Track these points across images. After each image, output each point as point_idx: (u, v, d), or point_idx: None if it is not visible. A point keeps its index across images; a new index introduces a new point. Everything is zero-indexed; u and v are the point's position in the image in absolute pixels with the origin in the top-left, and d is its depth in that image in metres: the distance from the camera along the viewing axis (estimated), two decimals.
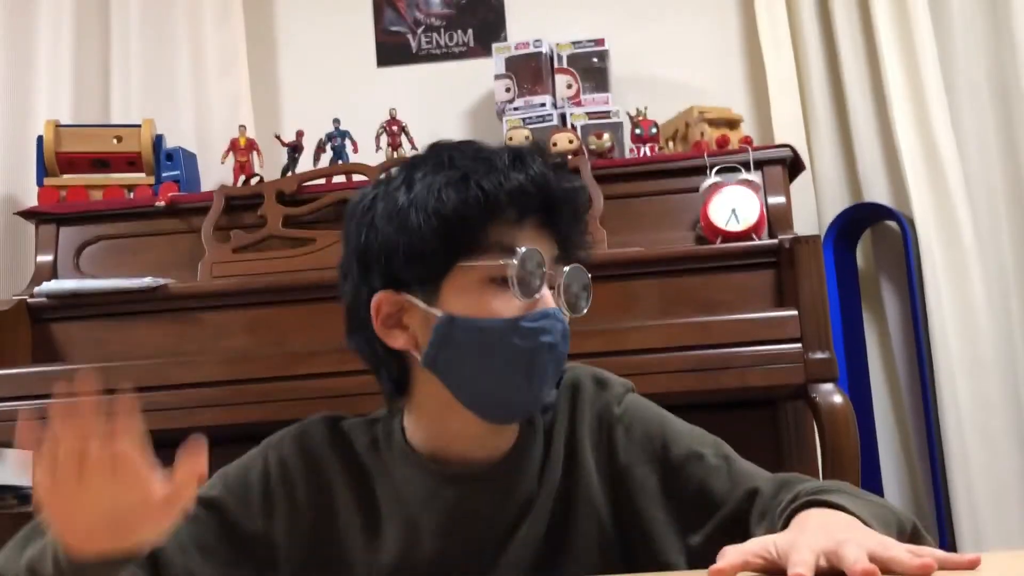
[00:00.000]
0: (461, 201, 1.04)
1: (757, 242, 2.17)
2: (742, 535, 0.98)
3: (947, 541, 2.51)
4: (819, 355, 1.95)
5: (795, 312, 1.98)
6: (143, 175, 2.56)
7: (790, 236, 2.11)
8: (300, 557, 1.14)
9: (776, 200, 2.29)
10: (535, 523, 1.11)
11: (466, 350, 1.06)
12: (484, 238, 1.05)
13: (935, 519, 2.59)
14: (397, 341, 1.10)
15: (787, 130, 2.73)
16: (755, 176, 2.30)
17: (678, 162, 2.36)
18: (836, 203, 2.75)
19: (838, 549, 0.83)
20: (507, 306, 1.05)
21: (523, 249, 1.05)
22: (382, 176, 1.14)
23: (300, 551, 1.14)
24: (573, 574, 1.10)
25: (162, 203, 2.41)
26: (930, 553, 0.86)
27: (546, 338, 1.05)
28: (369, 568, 1.12)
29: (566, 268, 1.09)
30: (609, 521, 1.13)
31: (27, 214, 2.48)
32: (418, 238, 1.05)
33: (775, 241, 2.13)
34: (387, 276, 1.09)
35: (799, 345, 1.97)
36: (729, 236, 2.19)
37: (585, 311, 1.10)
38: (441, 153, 1.09)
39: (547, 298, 1.06)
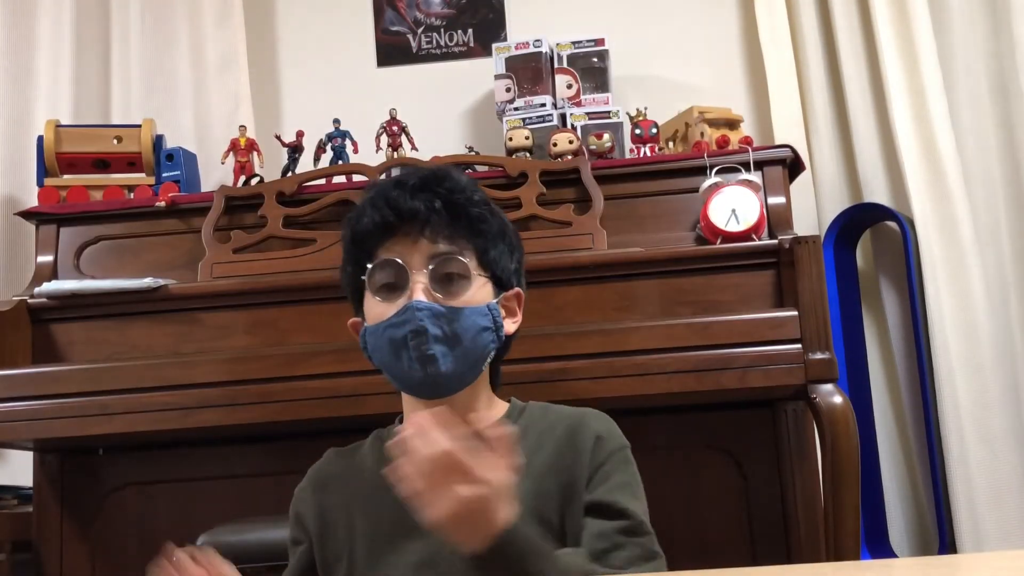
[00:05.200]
0: (350, 233, 1.37)
1: (757, 242, 2.17)
2: None
3: (947, 541, 2.51)
4: (819, 355, 1.95)
5: (795, 312, 1.97)
6: (143, 175, 2.56)
7: (790, 236, 2.11)
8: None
9: (776, 200, 2.29)
10: None
11: (373, 349, 1.34)
12: (368, 257, 1.33)
13: (935, 519, 2.59)
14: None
15: (787, 130, 2.73)
16: (755, 176, 2.30)
17: (678, 162, 2.36)
18: (836, 203, 2.76)
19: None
20: (386, 309, 1.30)
21: (370, 265, 1.32)
22: None
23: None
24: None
25: (162, 203, 2.41)
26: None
27: (407, 328, 1.27)
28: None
29: (431, 266, 1.30)
30: None
31: (27, 214, 2.48)
32: (346, 291, 1.41)
33: (775, 241, 2.13)
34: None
35: (799, 345, 1.96)
36: (729, 236, 2.19)
37: (461, 290, 1.31)
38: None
39: (414, 293, 1.28)
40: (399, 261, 1.30)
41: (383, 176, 1.23)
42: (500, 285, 1.37)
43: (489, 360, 1.36)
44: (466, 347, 1.30)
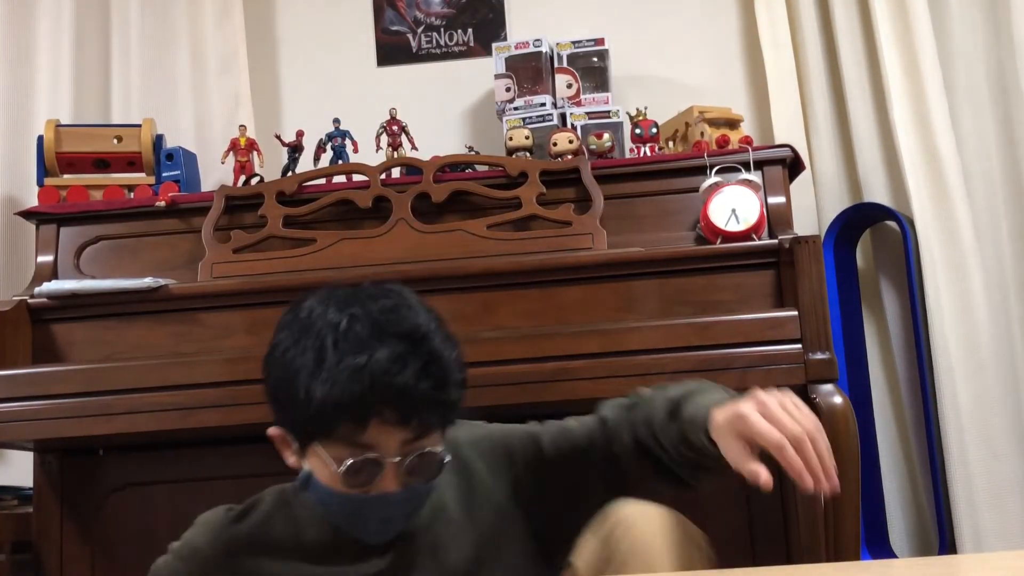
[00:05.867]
0: (318, 403, 1.21)
1: (757, 242, 2.17)
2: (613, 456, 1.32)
3: (947, 541, 2.51)
4: (819, 355, 1.95)
5: (795, 312, 1.98)
6: (143, 175, 2.56)
7: (790, 236, 2.11)
8: None
9: (776, 200, 2.29)
10: None
11: (318, 500, 1.28)
12: (334, 432, 1.22)
13: (935, 519, 2.59)
14: (289, 459, 1.32)
15: (787, 130, 2.73)
16: (755, 176, 2.30)
17: (678, 162, 2.36)
18: (836, 203, 2.76)
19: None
20: (345, 486, 1.24)
21: (349, 462, 1.21)
22: (287, 317, 1.30)
23: None
24: None
25: (162, 203, 2.41)
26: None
27: (376, 514, 1.25)
28: None
29: (408, 457, 1.23)
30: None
31: (27, 214, 2.48)
32: (284, 418, 1.28)
33: (775, 241, 2.13)
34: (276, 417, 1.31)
35: (799, 345, 1.96)
36: (729, 236, 2.19)
37: (430, 470, 1.26)
38: (317, 336, 1.23)
39: (384, 482, 1.23)
40: (377, 456, 1.22)
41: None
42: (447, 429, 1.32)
43: None
44: (422, 503, 1.29)
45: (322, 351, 1.21)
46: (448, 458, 1.27)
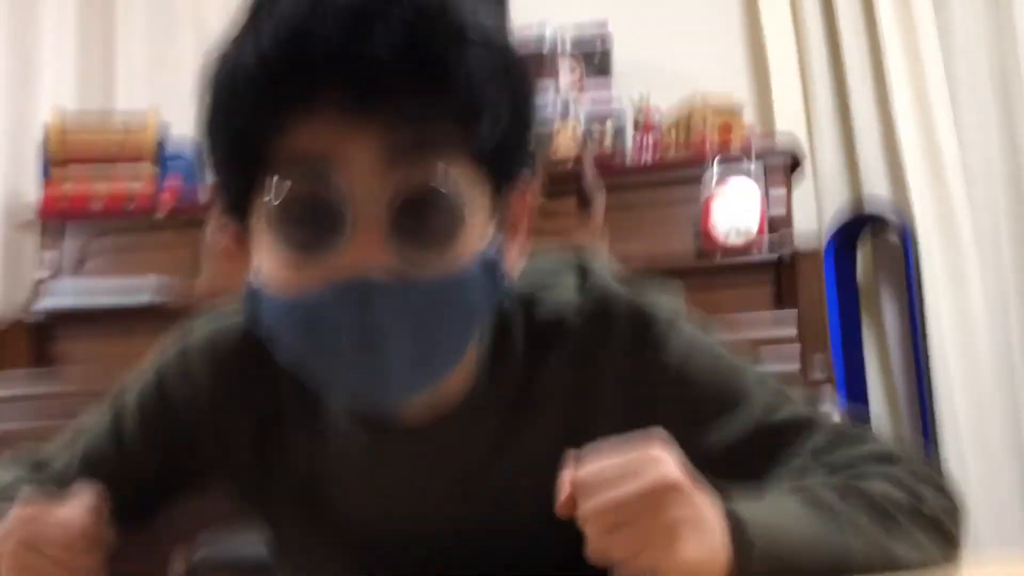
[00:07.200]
0: (222, 87, 0.71)
1: (757, 255, 2.18)
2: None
3: None
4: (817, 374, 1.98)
5: (795, 331, 2.00)
6: (148, 164, 2.54)
7: (791, 245, 2.12)
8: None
9: (777, 204, 2.30)
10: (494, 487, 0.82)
11: (273, 326, 0.72)
12: (256, 149, 0.69)
13: None
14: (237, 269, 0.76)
15: (789, 119, 2.72)
16: (756, 180, 2.30)
17: (679, 170, 2.37)
18: (836, 197, 2.73)
19: None
20: (301, 271, 0.69)
21: (285, 195, 0.68)
22: None
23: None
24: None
25: (160, 217, 2.41)
26: None
27: (348, 321, 0.68)
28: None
29: (396, 195, 0.68)
30: None
31: (30, 218, 2.48)
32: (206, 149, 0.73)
33: (775, 256, 2.14)
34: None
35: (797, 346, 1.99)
36: (729, 249, 2.20)
37: (446, 238, 0.69)
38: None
39: (362, 251, 0.67)
40: (335, 182, 0.67)
41: None
42: (502, 180, 0.74)
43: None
44: (445, 340, 0.72)
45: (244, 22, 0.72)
46: (486, 256, 0.72)
